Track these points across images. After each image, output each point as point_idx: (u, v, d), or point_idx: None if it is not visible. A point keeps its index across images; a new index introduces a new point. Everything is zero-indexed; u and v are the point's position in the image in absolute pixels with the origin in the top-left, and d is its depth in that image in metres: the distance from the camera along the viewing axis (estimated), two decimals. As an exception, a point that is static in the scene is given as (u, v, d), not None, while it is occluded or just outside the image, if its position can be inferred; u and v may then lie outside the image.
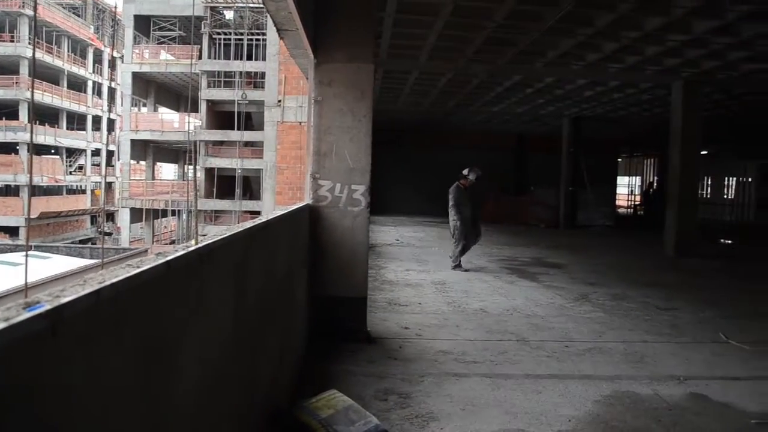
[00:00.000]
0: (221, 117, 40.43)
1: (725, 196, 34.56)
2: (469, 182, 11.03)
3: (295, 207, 5.22)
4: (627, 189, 37.53)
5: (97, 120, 51.81)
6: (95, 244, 38.25)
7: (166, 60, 41.07)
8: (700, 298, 8.86)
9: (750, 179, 30.83)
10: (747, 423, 4.28)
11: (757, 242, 18.83)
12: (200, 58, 39.19)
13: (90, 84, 50.41)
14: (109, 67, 50.32)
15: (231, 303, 2.53)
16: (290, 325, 4.45)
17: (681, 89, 14.08)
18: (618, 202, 31.15)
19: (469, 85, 16.34)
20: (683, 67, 12.86)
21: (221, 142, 39.91)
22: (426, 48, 11.98)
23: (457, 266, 10.93)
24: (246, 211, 35.63)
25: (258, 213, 27.31)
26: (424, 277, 10.01)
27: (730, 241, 19.08)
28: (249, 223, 3.16)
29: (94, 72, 51.44)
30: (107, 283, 1.40)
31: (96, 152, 50.48)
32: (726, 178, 34.78)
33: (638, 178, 37.25)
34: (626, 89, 16.30)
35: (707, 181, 33.95)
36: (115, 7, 43.71)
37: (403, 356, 5.53)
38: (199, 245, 2.09)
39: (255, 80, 39.28)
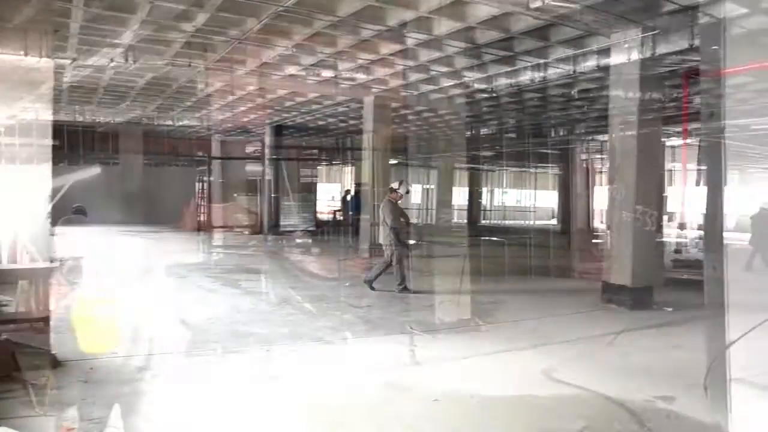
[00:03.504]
0: None
1: (412, 201, 38.41)
2: (400, 196, 10.28)
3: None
4: (328, 195, 39.42)
5: None
6: None
7: None
8: (388, 296, 9.65)
9: (433, 186, 34.65)
10: (429, 401, 4.85)
11: (438, 241, 21.20)
12: None
13: None
14: None
15: None
16: None
17: (372, 104, 15.29)
18: (320, 208, 32.62)
19: (170, 89, 15.73)
20: (373, 83, 13.99)
21: None
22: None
23: (404, 289, 9.84)
24: None
25: None
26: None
27: (414, 241, 21.16)
28: None
29: None
30: None
31: None
32: (413, 185, 38.71)
33: (338, 185, 39.35)
34: (324, 101, 17.16)
35: (398, 187, 37.28)
36: None
37: (94, 379, 5.13)
38: None
39: None
